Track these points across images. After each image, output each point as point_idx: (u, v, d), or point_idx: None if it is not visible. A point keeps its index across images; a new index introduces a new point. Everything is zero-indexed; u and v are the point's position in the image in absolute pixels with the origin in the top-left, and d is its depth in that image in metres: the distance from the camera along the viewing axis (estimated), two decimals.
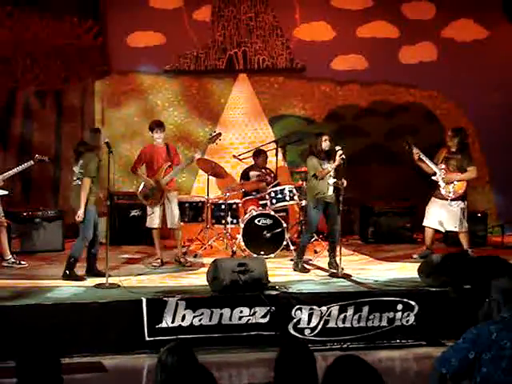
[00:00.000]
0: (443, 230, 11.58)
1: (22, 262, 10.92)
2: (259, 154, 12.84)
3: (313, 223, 10.66)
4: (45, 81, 13.72)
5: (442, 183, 11.29)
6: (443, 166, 11.33)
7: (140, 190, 11.05)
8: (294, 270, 10.61)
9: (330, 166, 10.34)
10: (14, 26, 13.45)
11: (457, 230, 11.37)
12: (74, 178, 10.14)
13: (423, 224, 11.58)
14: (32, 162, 10.90)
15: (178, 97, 14.06)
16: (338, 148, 10.34)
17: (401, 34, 14.27)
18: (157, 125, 11.06)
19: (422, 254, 11.29)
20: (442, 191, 11.28)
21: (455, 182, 11.28)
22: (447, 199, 11.28)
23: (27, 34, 13.51)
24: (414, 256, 11.48)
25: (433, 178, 11.35)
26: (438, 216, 11.38)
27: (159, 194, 10.88)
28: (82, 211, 9.82)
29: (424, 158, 11.30)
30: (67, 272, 9.92)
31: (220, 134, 11.43)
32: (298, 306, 9.05)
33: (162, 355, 4.22)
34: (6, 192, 10.81)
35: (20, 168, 10.87)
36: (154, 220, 10.94)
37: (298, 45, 14.15)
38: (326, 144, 10.50)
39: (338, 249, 10.48)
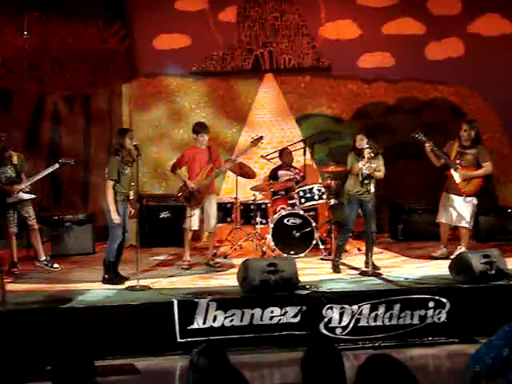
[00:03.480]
0: (453, 225, 11.40)
1: (55, 266, 10.97)
2: (282, 152, 12.84)
3: (347, 223, 10.58)
4: (72, 85, 13.82)
5: (457, 179, 11.09)
6: (458, 162, 11.15)
7: (179, 191, 11.06)
8: (332, 270, 10.55)
9: (360, 163, 10.29)
10: (42, 32, 13.56)
11: (466, 226, 11.21)
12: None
13: (437, 221, 11.43)
14: (57, 166, 10.94)
15: (204, 98, 14.09)
16: (366, 146, 10.30)
17: (427, 31, 14.21)
18: (202, 127, 11.08)
19: (441, 254, 11.20)
20: (457, 187, 11.09)
21: (471, 179, 11.10)
22: (462, 195, 11.12)
23: (54, 39, 13.62)
24: (433, 254, 11.37)
25: (446, 172, 11.18)
26: (451, 211, 11.20)
27: (200, 197, 10.88)
28: (113, 213, 9.86)
29: (436, 151, 11.12)
30: (105, 276, 9.97)
31: (262, 137, 11.33)
32: (328, 305, 9.03)
33: (194, 357, 4.22)
34: (34, 196, 10.86)
35: (46, 172, 10.91)
36: (193, 222, 10.92)
37: (324, 43, 14.14)
38: (359, 143, 10.44)
39: (372, 249, 10.45)
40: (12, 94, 13.71)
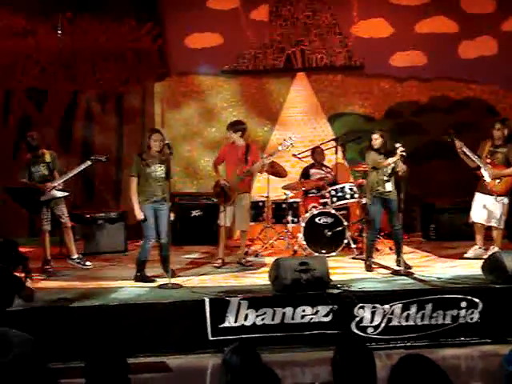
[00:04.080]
0: (487, 225, 11.31)
1: (88, 263, 11.03)
2: (314, 150, 12.83)
3: (374, 222, 10.55)
4: (105, 84, 13.90)
5: (487, 178, 10.98)
6: (489, 161, 11.05)
7: (213, 187, 11.10)
8: (367, 271, 10.52)
9: (390, 159, 10.23)
10: (75, 32, 13.65)
11: (496, 225, 11.09)
12: None
13: (469, 220, 11.35)
14: (89, 162, 10.99)
15: (236, 97, 14.11)
16: (398, 144, 10.25)
17: (460, 29, 14.13)
18: (228, 125, 11.13)
19: (475, 254, 11.12)
20: (488, 187, 11.01)
21: (502, 177, 11.01)
22: (492, 195, 11.02)
23: (87, 38, 13.71)
24: (466, 255, 11.29)
25: (477, 172, 11.11)
26: (483, 211, 11.11)
27: (231, 194, 10.89)
28: (135, 210, 9.97)
29: (467, 152, 11.05)
30: (137, 274, 10.04)
31: (293, 140, 11.29)
32: (360, 305, 9.01)
33: (227, 355, 4.23)
34: (67, 193, 10.93)
35: (78, 169, 10.96)
36: (223, 218, 10.95)
37: (356, 42, 14.09)
38: (376, 142, 10.40)
39: (402, 246, 10.42)
40: (46, 93, 13.82)
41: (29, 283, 7.83)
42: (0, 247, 7.61)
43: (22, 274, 7.60)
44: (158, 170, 10.04)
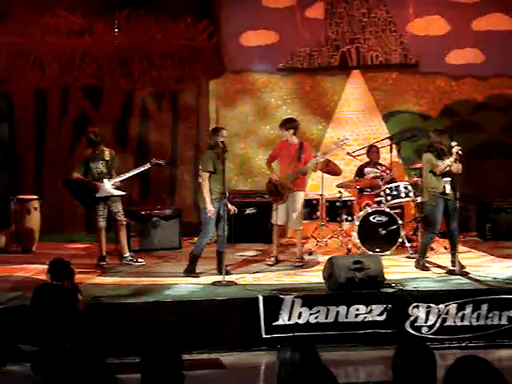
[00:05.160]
0: None
1: (140, 260, 11.13)
2: (369, 149, 12.77)
3: (435, 223, 10.41)
4: (161, 82, 14.00)
5: None
6: None
7: (266, 185, 11.11)
8: (416, 268, 10.46)
9: (448, 161, 10.13)
10: (131, 29, 13.77)
11: None
12: (199, 178, 10.35)
13: None
14: (149, 165, 11.06)
15: (291, 95, 14.12)
16: (454, 143, 10.15)
17: None
18: (282, 123, 11.08)
19: None
20: None
21: None
22: None
23: (143, 36, 13.82)
24: None
25: None
26: None
27: (283, 192, 10.88)
28: (208, 204, 10.00)
29: None
30: (187, 268, 10.15)
31: (347, 138, 11.18)
32: (414, 304, 8.95)
33: (286, 352, 4.23)
34: (124, 193, 11.02)
35: (136, 171, 11.05)
36: (277, 216, 10.95)
37: (412, 40, 14.00)
38: (445, 142, 10.30)
39: (457, 246, 10.33)
40: (102, 91, 13.96)
41: (79, 296, 7.99)
42: (54, 266, 7.91)
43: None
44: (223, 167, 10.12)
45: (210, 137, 10.43)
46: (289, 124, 11.00)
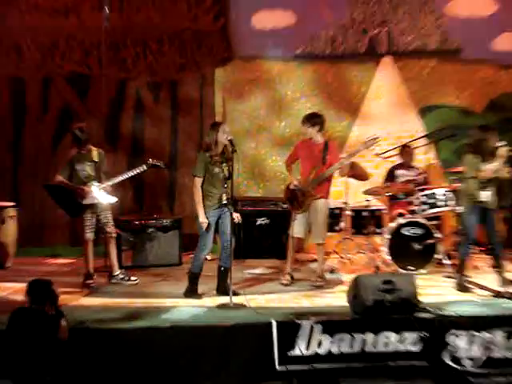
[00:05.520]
0: None
1: (133, 278, 11.15)
2: (402, 149, 12.77)
3: (468, 232, 10.46)
4: (158, 70, 14.05)
5: None
6: None
7: (284, 191, 11.11)
8: (456, 290, 10.45)
9: (494, 164, 10.12)
10: (124, 9, 13.82)
11: None
12: None
13: None
14: (145, 167, 11.08)
15: (310, 86, 14.15)
16: (501, 143, 10.15)
17: None
18: (302, 119, 11.09)
19: None
20: None
21: None
22: None
23: (138, 17, 13.87)
24: None
25: None
26: None
27: (304, 200, 10.90)
28: (200, 215, 10.02)
29: None
30: (187, 289, 10.20)
31: (377, 138, 11.11)
32: (454, 332, 8.93)
33: None
34: (115, 199, 11.03)
35: (130, 173, 11.05)
36: (295, 228, 10.96)
37: (453, 22, 14.03)
38: (492, 141, 10.30)
39: (502, 264, 10.32)
40: (89, 80, 14.00)
41: (63, 322, 7.97)
42: (33, 287, 7.90)
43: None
44: (224, 170, 10.11)
45: (209, 134, 10.33)
46: (314, 119, 10.97)
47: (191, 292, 10.16)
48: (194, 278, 10.22)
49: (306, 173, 10.91)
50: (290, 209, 11.05)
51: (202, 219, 10.02)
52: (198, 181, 10.10)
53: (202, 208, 10.04)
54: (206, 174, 10.10)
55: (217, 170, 10.08)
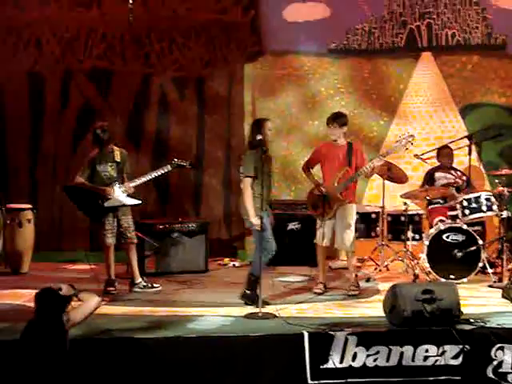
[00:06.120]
0: None
1: (156, 285, 11.15)
2: (440, 150, 12.73)
3: None
4: (184, 65, 14.06)
5: None
6: None
7: (308, 196, 11.09)
8: (503, 298, 10.39)
9: None
10: (149, 1, 13.83)
11: None
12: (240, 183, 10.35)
13: None
14: (169, 168, 11.09)
15: (345, 82, 14.14)
16: None
17: None
18: (329, 118, 11.00)
19: None
20: None
21: None
22: None
23: (163, 9, 13.89)
24: None
25: None
26: None
27: (330, 205, 10.86)
28: (253, 217, 9.98)
29: None
30: (246, 292, 10.18)
31: (412, 136, 11.02)
32: (499, 345, 8.87)
33: None
34: (139, 201, 11.04)
35: (154, 174, 11.06)
36: (322, 235, 10.93)
37: (498, 14, 13.95)
38: None
39: None
40: (112, 75, 14.04)
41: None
42: (41, 297, 7.76)
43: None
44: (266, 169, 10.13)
45: (252, 131, 10.35)
46: (342, 119, 10.93)
47: (249, 296, 10.14)
48: (254, 282, 10.13)
49: (330, 177, 10.87)
50: (314, 215, 11.01)
51: (256, 221, 9.98)
52: (250, 181, 10.05)
53: (253, 209, 10.02)
54: (257, 173, 10.08)
55: (265, 168, 10.09)
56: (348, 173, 10.78)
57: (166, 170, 11.11)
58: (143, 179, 11.04)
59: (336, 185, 10.77)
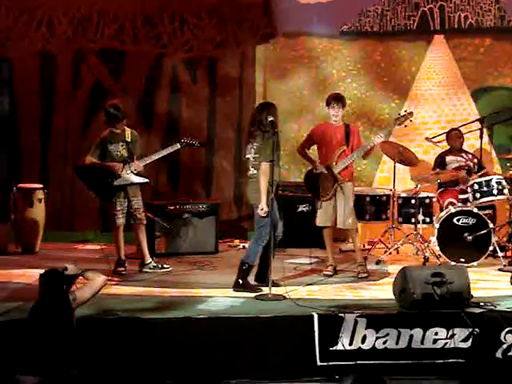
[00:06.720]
0: None
1: (166, 266, 11.17)
2: (450, 132, 12.70)
3: None
4: (196, 46, 14.02)
5: None
6: None
7: (305, 177, 11.09)
8: None
9: None
10: None
11: None
12: (249, 167, 10.20)
13: None
14: (178, 146, 11.09)
15: (357, 65, 14.09)
16: None
17: None
18: (334, 98, 11.02)
19: None
20: None
21: None
22: None
23: None
24: None
25: None
26: None
27: (329, 185, 10.86)
28: (265, 204, 9.90)
29: None
30: (239, 281, 10.07)
31: (411, 113, 11.14)
32: (508, 329, 8.87)
33: None
34: (147, 180, 11.04)
35: (164, 152, 11.08)
36: (322, 217, 10.94)
37: None
38: None
39: None
40: (123, 56, 14.01)
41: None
42: (45, 278, 7.70)
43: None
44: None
45: (263, 114, 10.20)
46: (344, 101, 11.01)
47: (244, 285, 10.05)
48: (247, 270, 10.09)
49: (327, 157, 10.88)
50: (313, 197, 11.01)
51: (266, 207, 9.92)
52: (270, 167, 9.82)
53: (265, 196, 9.90)
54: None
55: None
56: (345, 153, 10.81)
57: (175, 149, 11.11)
58: (153, 157, 11.05)
59: (334, 164, 10.78)
